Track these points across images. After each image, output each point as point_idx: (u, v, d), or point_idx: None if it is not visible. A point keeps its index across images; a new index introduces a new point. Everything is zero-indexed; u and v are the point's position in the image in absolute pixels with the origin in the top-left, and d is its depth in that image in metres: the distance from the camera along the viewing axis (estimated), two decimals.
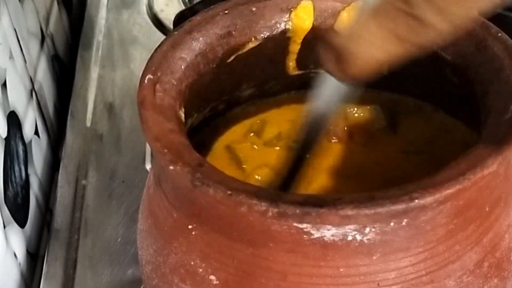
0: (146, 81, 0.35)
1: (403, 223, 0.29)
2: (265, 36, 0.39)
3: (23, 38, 0.56)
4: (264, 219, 0.29)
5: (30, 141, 0.54)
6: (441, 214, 0.30)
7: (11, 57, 0.52)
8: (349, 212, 0.28)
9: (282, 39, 0.39)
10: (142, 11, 0.70)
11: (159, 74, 0.36)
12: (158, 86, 0.35)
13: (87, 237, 0.50)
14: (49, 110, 0.61)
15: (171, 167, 0.31)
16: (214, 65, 0.38)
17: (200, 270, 0.32)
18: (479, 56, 0.36)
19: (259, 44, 0.39)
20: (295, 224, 0.29)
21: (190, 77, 0.37)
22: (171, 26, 0.64)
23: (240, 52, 0.39)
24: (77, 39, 0.68)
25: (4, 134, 0.48)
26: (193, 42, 0.37)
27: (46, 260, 0.49)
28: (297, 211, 0.28)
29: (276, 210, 0.29)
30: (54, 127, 0.62)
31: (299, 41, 0.39)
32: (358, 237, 0.29)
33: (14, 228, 0.48)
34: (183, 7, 0.68)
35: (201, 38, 0.38)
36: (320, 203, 0.28)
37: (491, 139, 0.31)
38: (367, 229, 0.29)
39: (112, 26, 0.69)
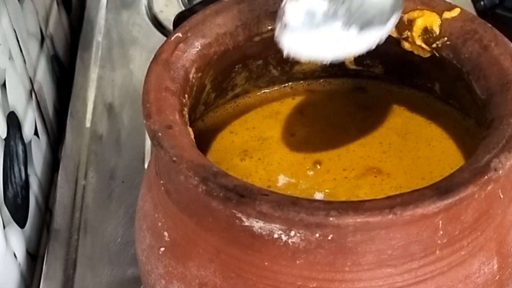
0: (173, 37, 0.36)
1: (329, 238, 0.29)
2: None
3: (23, 39, 0.56)
4: (202, 194, 0.30)
5: (30, 142, 0.54)
6: (372, 241, 0.30)
7: (10, 57, 0.52)
8: (265, 209, 0.29)
9: None
10: (141, 12, 0.70)
11: (189, 34, 0.36)
12: (181, 45, 0.36)
13: (86, 237, 0.50)
14: (48, 110, 0.61)
15: (145, 121, 0.32)
16: (256, 40, 0.38)
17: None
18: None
19: None
20: (222, 207, 0.30)
21: (223, 45, 0.37)
22: (171, 27, 0.64)
23: None
24: (77, 40, 0.68)
25: (4, 135, 0.48)
26: (239, 12, 0.38)
27: (46, 260, 0.49)
28: (221, 194, 0.29)
29: (204, 187, 0.30)
30: (54, 127, 0.62)
31: None
32: (284, 238, 0.30)
33: (14, 228, 0.48)
34: (183, 8, 0.68)
35: (248, 11, 0.38)
36: (243, 193, 0.29)
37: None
38: (292, 232, 0.30)
39: (112, 27, 0.69)
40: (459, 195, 0.29)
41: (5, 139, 0.48)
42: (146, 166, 0.54)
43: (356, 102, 0.42)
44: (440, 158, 0.38)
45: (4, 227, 0.46)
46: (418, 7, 0.38)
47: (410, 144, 0.39)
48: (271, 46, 0.40)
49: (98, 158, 0.56)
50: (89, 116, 0.60)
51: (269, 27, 0.39)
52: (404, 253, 0.30)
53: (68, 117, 0.60)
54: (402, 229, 0.30)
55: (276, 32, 0.33)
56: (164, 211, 0.34)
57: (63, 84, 0.66)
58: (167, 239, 0.34)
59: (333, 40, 0.33)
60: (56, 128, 0.62)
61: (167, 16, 0.68)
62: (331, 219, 0.28)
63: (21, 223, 0.50)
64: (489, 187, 0.30)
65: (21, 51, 0.55)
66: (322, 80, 0.43)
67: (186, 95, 0.36)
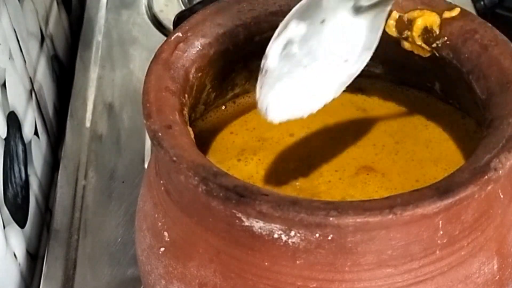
0: (173, 37, 0.36)
1: (329, 238, 0.29)
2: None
3: (23, 39, 0.56)
4: (202, 194, 0.30)
5: (30, 142, 0.54)
6: (372, 241, 0.30)
7: (10, 57, 0.52)
8: (265, 209, 0.29)
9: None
10: (141, 12, 0.70)
11: (189, 34, 0.36)
12: (181, 45, 0.36)
13: (86, 237, 0.50)
14: (48, 110, 0.61)
15: (145, 121, 0.32)
16: (256, 40, 0.38)
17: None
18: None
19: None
20: (222, 207, 0.30)
21: (223, 45, 0.37)
22: (171, 27, 0.64)
23: None
24: (77, 39, 0.68)
25: (4, 135, 0.48)
26: (239, 12, 0.38)
27: (46, 260, 0.49)
28: (221, 194, 0.29)
29: (204, 187, 0.30)
30: (54, 127, 0.62)
31: None
32: (284, 238, 0.30)
33: (14, 228, 0.48)
34: (183, 8, 0.68)
35: (248, 10, 0.38)
36: (243, 193, 0.29)
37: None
38: (292, 233, 0.30)
39: (112, 27, 0.69)
40: (459, 195, 0.29)
41: (5, 139, 0.48)
42: (146, 166, 0.54)
43: (356, 102, 0.42)
44: (439, 158, 0.38)
45: (4, 227, 0.46)
46: (418, 7, 0.38)
47: (409, 145, 0.39)
48: None
49: (98, 158, 0.56)
50: (89, 116, 0.60)
51: (269, 27, 0.39)
52: (404, 253, 0.30)
53: (68, 117, 0.60)
54: (402, 229, 0.30)
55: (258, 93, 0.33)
56: (164, 211, 0.34)
57: (63, 84, 0.66)
58: (167, 239, 0.34)
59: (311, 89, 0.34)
60: (56, 128, 0.63)
61: (167, 16, 0.68)
62: (331, 219, 0.28)
63: (21, 223, 0.50)
64: (489, 187, 0.30)
65: (21, 51, 0.55)
66: None
67: (186, 95, 0.36)
